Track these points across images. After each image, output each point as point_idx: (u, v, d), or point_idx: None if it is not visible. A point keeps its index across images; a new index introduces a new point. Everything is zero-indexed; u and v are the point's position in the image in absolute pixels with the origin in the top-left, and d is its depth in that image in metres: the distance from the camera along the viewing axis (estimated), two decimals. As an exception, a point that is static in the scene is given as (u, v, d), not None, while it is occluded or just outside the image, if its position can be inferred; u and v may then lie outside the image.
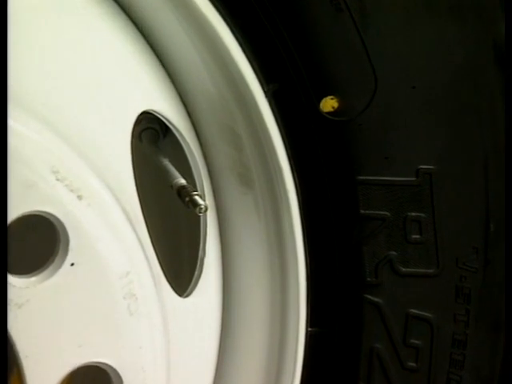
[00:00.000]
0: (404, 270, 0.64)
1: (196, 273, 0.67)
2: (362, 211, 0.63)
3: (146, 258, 0.59)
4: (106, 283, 0.55)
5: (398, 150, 0.61)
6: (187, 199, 0.61)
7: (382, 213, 0.63)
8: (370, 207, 0.63)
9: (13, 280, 0.50)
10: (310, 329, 0.66)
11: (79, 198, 0.53)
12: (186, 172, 0.66)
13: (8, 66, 0.48)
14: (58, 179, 0.51)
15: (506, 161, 0.60)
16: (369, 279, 0.64)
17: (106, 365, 0.56)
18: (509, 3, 0.56)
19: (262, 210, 0.65)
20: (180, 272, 0.72)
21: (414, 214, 0.63)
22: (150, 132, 0.69)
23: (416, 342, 0.65)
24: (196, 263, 0.67)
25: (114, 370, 0.56)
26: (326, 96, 0.59)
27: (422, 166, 0.62)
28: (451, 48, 0.58)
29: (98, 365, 0.56)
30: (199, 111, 0.65)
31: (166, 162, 0.66)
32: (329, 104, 0.60)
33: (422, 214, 0.63)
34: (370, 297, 0.65)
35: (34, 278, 0.51)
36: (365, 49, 0.58)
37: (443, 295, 0.64)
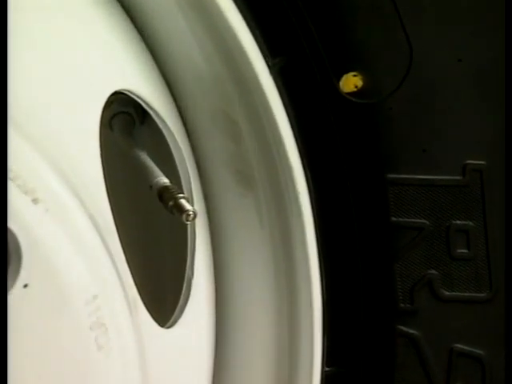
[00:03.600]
0: (447, 293, 0.64)
1: (182, 297, 0.67)
2: (394, 219, 0.63)
3: (119, 277, 0.59)
4: (67, 310, 0.54)
5: (440, 141, 0.61)
6: (171, 203, 0.60)
7: (418, 221, 0.63)
8: (403, 214, 0.63)
9: None
10: (326, 369, 0.66)
11: (34, 201, 0.53)
12: (170, 169, 0.65)
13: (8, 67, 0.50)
14: (8, 178, 0.51)
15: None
16: (402, 305, 0.64)
17: (69, 414, 0.56)
18: (509, 3, 0.57)
19: (265, 218, 0.65)
20: (162, 296, 0.71)
21: (459, 222, 0.63)
22: (124, 118, 0.69)
23: (463, 386, 0.64)
24: (182, 285, 0.67)
25: (79, 421, 0.56)
26: (347, 72, 0.60)
27: (470, 161, 0.62)
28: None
29: (58, 413, 0.56)
30: (186, 92, 0.65)
31: (144, 156, 0.66)
32: (351, 82, 0.60)
33: (471, 223, 0.63)
34: (403, 328, 0.65)
35: (-24, 303, 0.51)
36: (396, 11, 0.58)
37: (497, 326, 0.64)
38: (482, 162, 0.61)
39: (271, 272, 0.67)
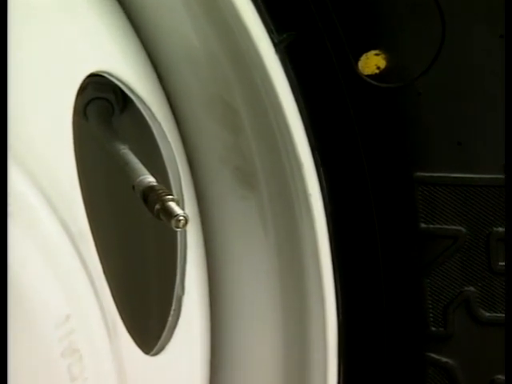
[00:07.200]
0: (487, 315, 0.64)
1: (170, 319, 0.67)
2: (424, 225, 0.63)
3: (96, 295, 0.58)
4: (34, 333, 0.54)
5: (478, 133, 0.61)
6: (157, 207, 0.60)
7: (453, 228, 0.63)
8: (434, 219, 0.62)
9: None
10: (343, 406, 0.63)
11: (-6, 204, 0.53)
12: (156, 166, 0.66)
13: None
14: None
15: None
16: (434, 329, 0.64)
17: None
18: (509, 3, 0.58)
19: (270, 224, 0.66)
20: (147, 318, 0.71)
21: (502, 229, 0.62)
22: (101, 104, 0.69)
23: (506, 425, 0.65)
24: (170, 305, 0.67)
25: None
26: (367, 51, 0.59)
27: (513, 157, 0.61)
28: None
29: None
30: (177, 75, 0.65)
31: (125, 151, 0.66)
32: (372, 63, 0.60)
33: (515, 230, 0.62)
34: (435, 356, 0.64)
35: None
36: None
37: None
38: (529, 158, 0.61)
39: (277, 288, 0.67)
